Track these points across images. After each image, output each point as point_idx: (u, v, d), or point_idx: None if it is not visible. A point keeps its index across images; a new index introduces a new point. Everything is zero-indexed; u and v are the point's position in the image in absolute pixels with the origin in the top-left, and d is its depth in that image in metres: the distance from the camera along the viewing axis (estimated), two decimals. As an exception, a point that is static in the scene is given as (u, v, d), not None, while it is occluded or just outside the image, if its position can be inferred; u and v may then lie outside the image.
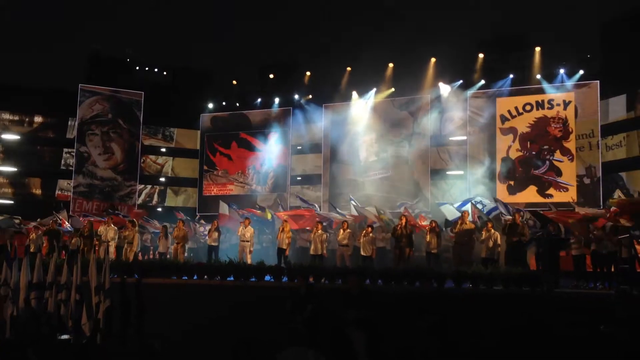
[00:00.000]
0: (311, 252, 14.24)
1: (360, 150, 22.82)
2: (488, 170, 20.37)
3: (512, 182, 20.49)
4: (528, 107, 20.44)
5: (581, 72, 19.43)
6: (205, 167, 25.91)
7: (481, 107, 20.86)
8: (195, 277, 12.20)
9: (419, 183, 21.58)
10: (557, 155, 19.90)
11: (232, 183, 25.58)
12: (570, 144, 19.70)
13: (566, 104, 19.83)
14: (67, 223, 17.54)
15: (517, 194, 20.14)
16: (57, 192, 24.59)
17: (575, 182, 19.39)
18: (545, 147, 20.08)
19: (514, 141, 20.61)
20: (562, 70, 19.71)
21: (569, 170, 19.67)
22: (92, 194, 24.32)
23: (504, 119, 20.79)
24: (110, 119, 24.97)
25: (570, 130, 19.75)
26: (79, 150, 24.49)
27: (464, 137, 20.98)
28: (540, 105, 20.35)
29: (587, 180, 19.22)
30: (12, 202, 23.82)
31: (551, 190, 19.74)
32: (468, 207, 15.72)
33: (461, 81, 20.95)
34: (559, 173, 19.75)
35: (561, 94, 19.90)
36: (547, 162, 20.00)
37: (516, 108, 20.65)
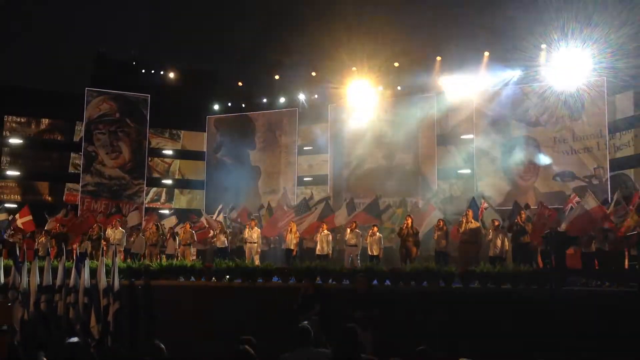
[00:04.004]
0: (317, 252, 14.31)
1: (366, 148, 22.74)
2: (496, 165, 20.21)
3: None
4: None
5: (588, 68, 19.21)
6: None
7: (487, 103, 20.80)
8: (202, 279, 12.21)
9: (427, 179, 21.56)
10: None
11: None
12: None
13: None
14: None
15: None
16: (66, 192, 24.67)
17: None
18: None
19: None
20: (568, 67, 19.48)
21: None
22: (100, 193, 24.29)
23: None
24: (117, 118, 24.94)
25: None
26: (87, 149, 24.45)
27: (471, 135, 20.96)
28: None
29: (595, 181, 18.66)
30: (19, 205, 23.85)
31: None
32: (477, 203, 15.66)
33: (467, 79, 20.85)
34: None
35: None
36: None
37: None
